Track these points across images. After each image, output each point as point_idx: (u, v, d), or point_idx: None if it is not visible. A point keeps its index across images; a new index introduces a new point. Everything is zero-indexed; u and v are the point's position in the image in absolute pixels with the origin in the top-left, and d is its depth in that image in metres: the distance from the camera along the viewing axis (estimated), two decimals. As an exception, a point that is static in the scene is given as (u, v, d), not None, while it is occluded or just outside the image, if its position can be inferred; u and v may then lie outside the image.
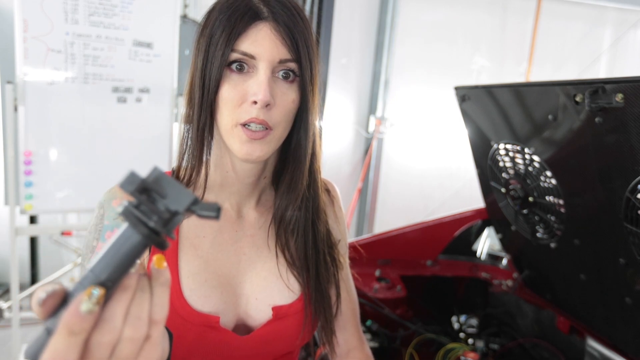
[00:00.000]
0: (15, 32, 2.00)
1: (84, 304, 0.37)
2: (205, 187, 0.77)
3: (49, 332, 0.38)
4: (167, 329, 0.50)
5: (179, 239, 0.76)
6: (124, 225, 0.40)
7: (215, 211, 0.40)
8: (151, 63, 2.29)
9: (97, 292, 0.37)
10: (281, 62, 0.68)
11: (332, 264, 0.84)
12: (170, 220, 0.40)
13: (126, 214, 0.39)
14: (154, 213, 0.39)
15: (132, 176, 0.39)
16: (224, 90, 0.68)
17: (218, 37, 0.67)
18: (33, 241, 3.20)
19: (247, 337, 0.76)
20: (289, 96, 0.70)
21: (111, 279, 0.39)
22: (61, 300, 0.39)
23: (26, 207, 2.16)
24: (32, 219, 2.91)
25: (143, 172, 0.39)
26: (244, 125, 0.68)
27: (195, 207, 0.40)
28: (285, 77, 0.70)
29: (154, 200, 0.39)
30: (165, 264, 0.43)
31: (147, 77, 2.29)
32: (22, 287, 3.01)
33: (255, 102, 0.67)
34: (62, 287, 0.39)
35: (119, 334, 0.39)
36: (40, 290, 0.39)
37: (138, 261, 0.40)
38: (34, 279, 3.20)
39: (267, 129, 0.69)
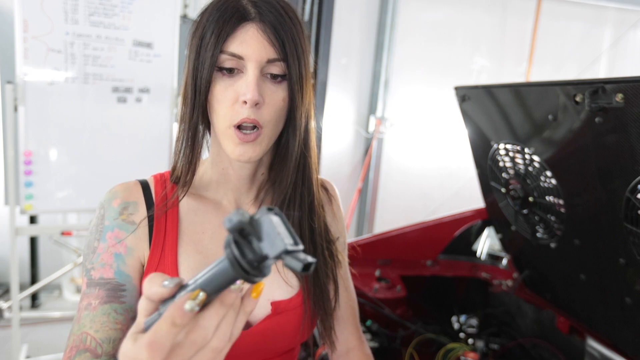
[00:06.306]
0: (15, 32, 2.00)
1: (188, 302, 0.44)
2: (186, 185, 0.77)
3: (159, 315, 0.46)
4: None
5: (178, 234, 0.77)
6: (223, 256, 0.45)
7: (302, 266, 0.43)
8: (151, 63, 2.29)
9: (201, 295, 0.45)
10: (269, 61, 0.69)
11: (330, 259, 0.85)
12: (261, 262, 0.44)
13: (226, 246, 0.44)
14: (247, 254, 0.43)
15: (237, 214, 0.42)
16: (216, 91, 0.70)
17: (208, 39, 0.69)
18: (33, 241, 3.20)
19: (246, 333, 0.76)
20: (278, 95, 0.71)
21: (209, 293, 0.46)
22: (176, 292, 0.47)
23: (26, 207, 2.16)
24: (32, 219, 2.91)
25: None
26: (237, 127, 0.70)
27: (286, 256, 0.43)
28: (274, 78, 0.71)
29: (251, 240, 0.44)
30: (259, 296, 0.49)
31: (147, 77, 2.29)
32: (22, 287, 3.00)
33: (245, 102, 0.68)
34: (182, 280, 0.47)
35: (208, 341, 0.46)
36: (160, 276, 0.47)
37: (233, 286, 0.47)
38: (34, 279, 3.19)
39: (257, 128, 0.71)
